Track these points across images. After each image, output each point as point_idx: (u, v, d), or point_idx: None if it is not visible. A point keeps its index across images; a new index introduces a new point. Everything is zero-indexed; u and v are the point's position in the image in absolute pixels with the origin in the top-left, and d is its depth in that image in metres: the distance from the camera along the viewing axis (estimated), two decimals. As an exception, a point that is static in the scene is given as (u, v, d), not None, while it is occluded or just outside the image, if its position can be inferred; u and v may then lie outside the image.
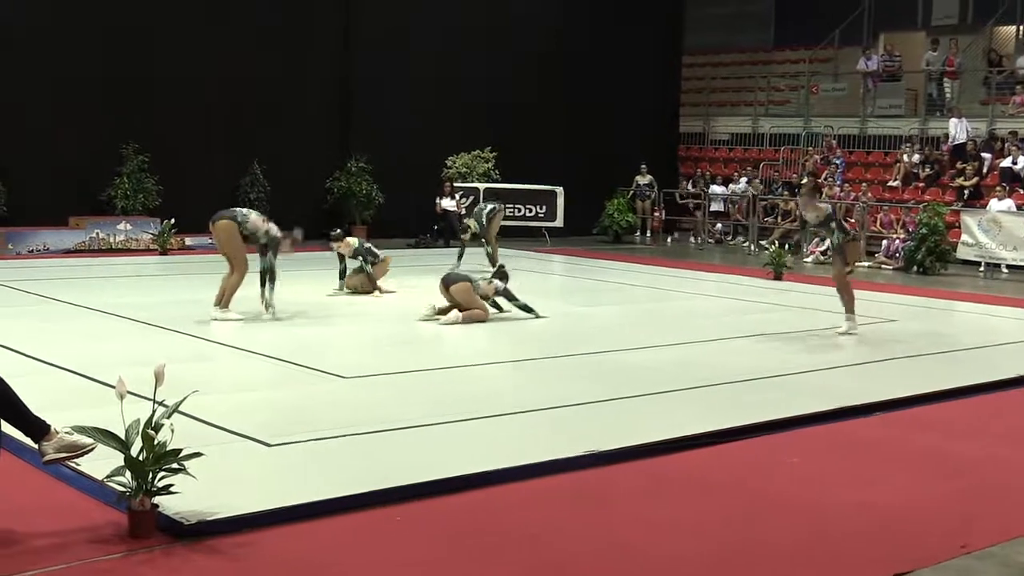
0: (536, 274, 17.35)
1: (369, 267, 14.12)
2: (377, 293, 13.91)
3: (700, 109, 30.92)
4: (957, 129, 24.16)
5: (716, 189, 26.73)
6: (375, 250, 14.41)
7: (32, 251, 18.63)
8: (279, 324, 11.76)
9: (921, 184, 24.23)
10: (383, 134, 23.52)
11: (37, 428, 5.42)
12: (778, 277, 17.65)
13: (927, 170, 24.37)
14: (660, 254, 22.88)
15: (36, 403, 5.51)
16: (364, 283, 14.01)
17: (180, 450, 5.29)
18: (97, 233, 19.40)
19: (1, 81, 19.41)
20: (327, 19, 23.41)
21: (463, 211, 22.09)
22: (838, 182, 24.66)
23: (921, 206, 21.21)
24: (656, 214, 26.78)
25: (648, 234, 26.71)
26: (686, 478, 6.59)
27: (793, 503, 6.17)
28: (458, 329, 11.48)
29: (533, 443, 7.10)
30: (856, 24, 29.22)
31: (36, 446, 5.46)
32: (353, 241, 14.49)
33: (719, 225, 26.48)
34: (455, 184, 23.32)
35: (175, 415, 5.40)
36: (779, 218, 24.77)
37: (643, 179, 26.84)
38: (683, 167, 29.91)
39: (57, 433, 5.44)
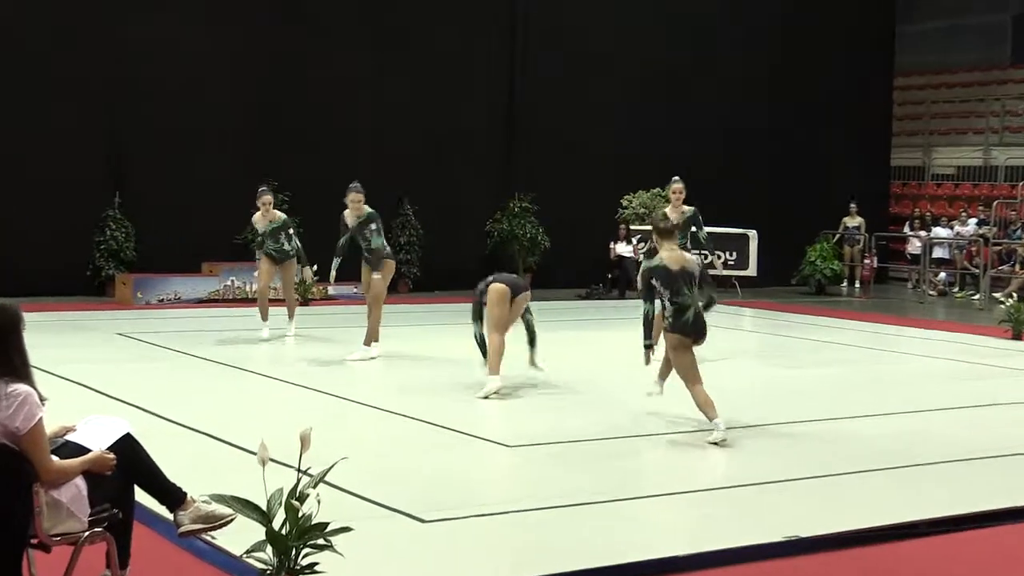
0: (726, 331, 17.20)
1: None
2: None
3: (918, 139, 30.32)
4: None
5: (939, 232, 26.13)
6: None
7: (162, 300, 19.33)
8: (432, 384, 11.95)
9: None
10: (550, 169, 23.74)
11: (172, 496, 5.62)
12: (1017, 336, 17.12)
13: None
14: (871, 308, 22.43)
15: (170, 469, 5.72)
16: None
17: (327, 524, 5.41)
18: (232, 281, 20.02)
19: (128, 115, 20.28)
20: (491, 45, 23.81)
21: (640, 258, 22.09)
22: (1088, 222, 23.86)
23: None
24: (866, 261, 26.31)
25: (857, 284, 26.24)
26: (905, 573, 6.44)
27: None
28: (632, 393, 11.48)
29: (719, 526, 7.06)
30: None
31: (171, 516, 5.67)
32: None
33: (942, 274, 25.84)
34: (632, 227, 23.36)
35: (321, 484, 5.54)
36: (1017, 266, 24.04)
37: (852, 221, 26.44)
38: (898, 207, 29.33)
39: (194, 502, 5.62)
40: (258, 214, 15.13)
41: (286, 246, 15.14)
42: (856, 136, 27.57)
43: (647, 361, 10.07)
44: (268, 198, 15.13)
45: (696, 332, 9.61)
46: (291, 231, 15.23)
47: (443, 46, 22.98)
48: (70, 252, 19.77)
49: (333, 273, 13.72)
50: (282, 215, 15.38)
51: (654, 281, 9.63)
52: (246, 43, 21.19)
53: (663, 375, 10.22)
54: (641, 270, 10.36)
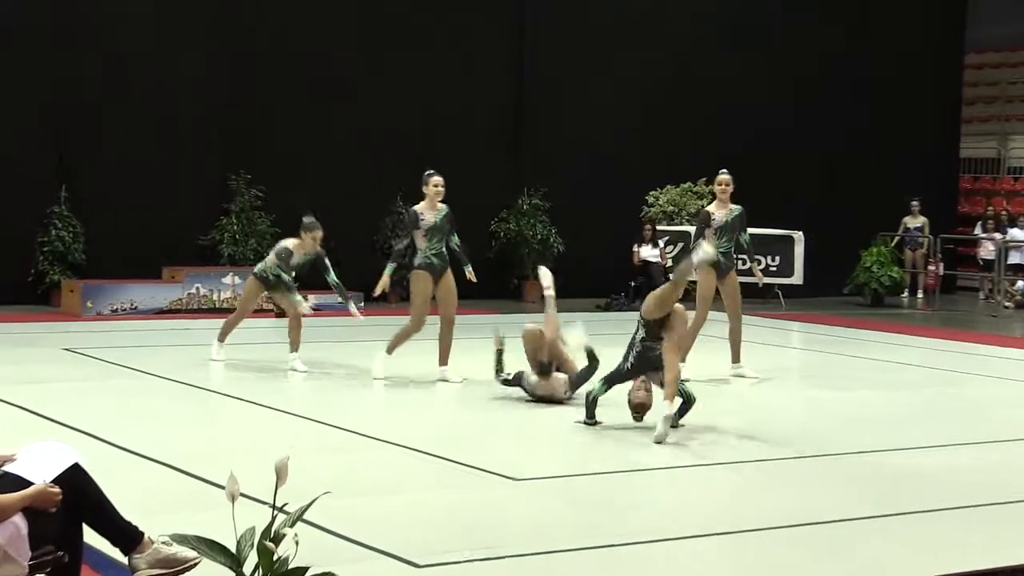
0: (768, 348, 17.19)
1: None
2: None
3: (993, 126, 30.30)
4: None
5: (1016, 234, 26.09)
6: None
7: (116, 310, 19.33)
8: (428, 409, 11.96)
9: None
10: (564, 162, 23.75)
11: (127, 536, 5.61)
12: (1104, 355, 17.11)
13: None
14: (936, 322, 22.39)
15: (124, 504, 5.71)
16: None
17: (306, 569, 5.40)
18: (197, 288, 20.01)
19: (77, 100, 20.32)
20: (498, 27, 23.87)
21: (668, 262, 22.09)
22: None
23: None
24: (931, 267, 26.27)
25: (919, 295, 26.20)
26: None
27: None
28: (649, 417, 11.47)
29: (767, 571, 7.05)
30: None
31: (125, 559, 5.65)
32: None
33: (1020, 283, 25.79)
34: (658, 227, 23.34)
35: (299, 523, 5.52)
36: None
37: (914, 221, 26.41)
38: (969, 205, 29.29)
39: (152, 543, 5.62)
40: (296, 243, 14.28)
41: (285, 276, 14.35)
42: (919, 123, 27.53)
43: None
44: (320, 233, 14.27)
45: None
46: (327, 262, 14.38)
47: (446, 28, 23.06)
48: (9, 255, 19.78)
49: (387, 281, 13.43)
50: (320, 249, 14.40)
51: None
52: (221, 30, 21.29)
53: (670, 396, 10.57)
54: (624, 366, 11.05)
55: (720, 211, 14.31)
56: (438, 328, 13.53)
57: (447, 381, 13.38)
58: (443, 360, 13.51)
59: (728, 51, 25.19)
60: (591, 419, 11.09)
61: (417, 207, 13.42)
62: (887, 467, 9.90)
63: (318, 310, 20.24)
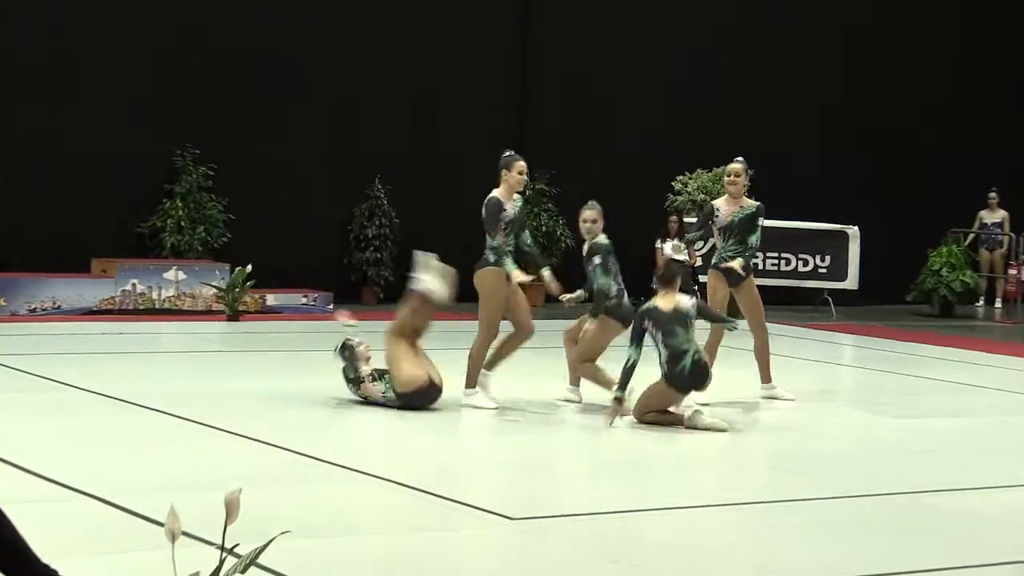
0: (813, 364, 17.19)
1: None
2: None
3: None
4: None
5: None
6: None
7: (35, 310, 19.31)
8: (407, 434, 11.95)
9: None
10: (575, 141, 23.75)
11: (44, 582, 5.63)
12: None
13: None
14: (1018, 337, 22.38)
15: (42, 544, 5.71)
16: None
17: (259, 623, 5.43)
18: (133, 285, 19.96)
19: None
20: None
21: (698, 261, 22.08)
22: None
23: None
24: (1011, 271, 26.25)
25: (997, 303, 26.17)
26: None
27: None
28: (675, 447, 11.47)
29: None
30: None
31: (42, 609, 5.67)
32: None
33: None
34: (685, 219, 23.33)
35: (253, 568, 5.52)
36: None
37: (991, 215, 26.39)
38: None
39: (75, 590, 5.63)
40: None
41: None
42: (998, 99, 27.52)
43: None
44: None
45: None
46: None
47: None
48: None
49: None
50: None
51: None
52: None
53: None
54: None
55: (727, 207, 13.95)
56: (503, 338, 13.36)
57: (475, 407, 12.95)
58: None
59: (773, 21, 25.20)
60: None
61: (497, 195, 13.19)
62: (948, 509, 9.87)
63: (272, 312, 20.34)
